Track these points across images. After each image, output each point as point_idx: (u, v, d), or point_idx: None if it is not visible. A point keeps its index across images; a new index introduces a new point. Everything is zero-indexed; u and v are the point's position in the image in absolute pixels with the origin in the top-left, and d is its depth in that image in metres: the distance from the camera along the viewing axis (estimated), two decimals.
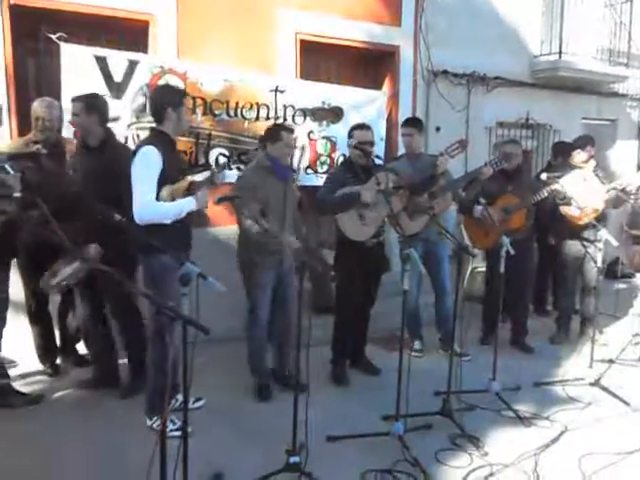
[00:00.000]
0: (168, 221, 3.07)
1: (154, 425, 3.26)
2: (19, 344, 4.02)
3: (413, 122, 4.58)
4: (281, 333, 4.01)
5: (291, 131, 3.90)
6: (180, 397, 3.19)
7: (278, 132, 3.79)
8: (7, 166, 2.93)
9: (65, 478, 2.87)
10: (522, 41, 7.45)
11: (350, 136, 4.00)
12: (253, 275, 3.77)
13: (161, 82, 4.59)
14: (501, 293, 3.97)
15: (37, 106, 3.83)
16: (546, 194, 4.45)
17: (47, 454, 3.06)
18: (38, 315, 4.05)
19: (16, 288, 3.83)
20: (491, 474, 2.93)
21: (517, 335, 4.93)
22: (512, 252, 3.67)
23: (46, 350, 4.14)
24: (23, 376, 4.01)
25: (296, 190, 4.09)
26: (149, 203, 3.03)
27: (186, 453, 2.27)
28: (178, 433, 2.31)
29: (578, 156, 4.91)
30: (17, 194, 1.98)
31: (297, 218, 3.99)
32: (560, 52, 7.36)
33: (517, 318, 4.98)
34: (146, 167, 3.06)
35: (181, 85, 4.60)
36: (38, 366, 4.14)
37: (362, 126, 4.06)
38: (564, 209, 4.71)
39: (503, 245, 3.69)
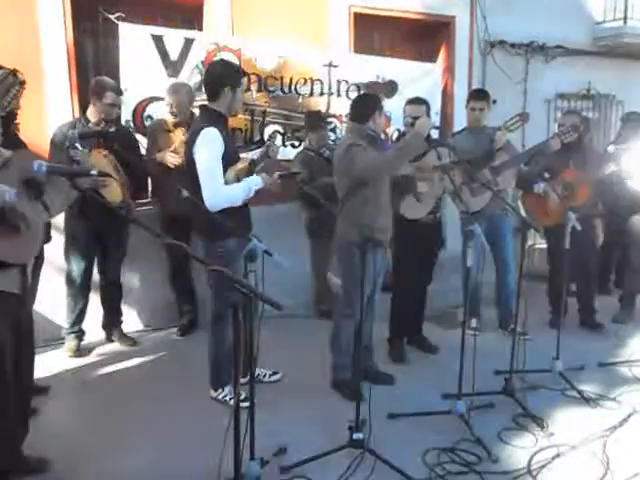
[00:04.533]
0: (239, 203, 3.07)
1: (219, 396, 3.34)
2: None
3: (484, 95, 4.44)
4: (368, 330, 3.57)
5: None
6: None
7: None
8: (77, 144, 3.03)
9: (139, 443, 2.96)
10: (584, 7, 7.07)
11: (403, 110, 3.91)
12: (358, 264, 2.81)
13: (216, 59, 4.59)
14: (566, 271, 3.83)
15: (166, 92, 4.10)
16: (613, 168, 4.25)
17: (120, 422, 3.19)
18: (178, 277, 4.47)
19: None
20: (557, 455, 2.86)
21: (586, 314, 4.76)
22: (579, 228, 3.53)
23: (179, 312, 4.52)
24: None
25: None
26: (220, 189, 3.00)
27: (252, 425, 2.31)
28: (245, 405, 2.34)
29: None
30: (94, 172, 2.02)
31: None
32: (625, 17, 6.95)
33: (584, 296, 4.80)
34: (211, 151, 2.99)
35: (236, 62, 4.60)
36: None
37: (413, 100, 4.01)
38: (630, 182, 4.49)
39: (569, 221, 3.55)
